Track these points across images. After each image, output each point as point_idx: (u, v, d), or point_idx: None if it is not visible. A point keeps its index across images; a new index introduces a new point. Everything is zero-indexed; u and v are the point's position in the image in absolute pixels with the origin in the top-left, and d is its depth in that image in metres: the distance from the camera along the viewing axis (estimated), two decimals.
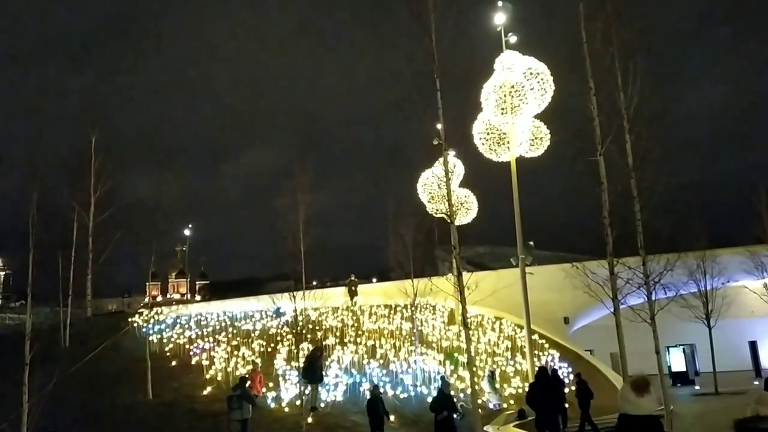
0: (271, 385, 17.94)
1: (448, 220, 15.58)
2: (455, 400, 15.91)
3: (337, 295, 29.60)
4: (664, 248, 16.10)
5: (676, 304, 19.48)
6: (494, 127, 22.15)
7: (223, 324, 24.92)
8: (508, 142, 21.85)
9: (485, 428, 15.21)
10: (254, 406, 15.14)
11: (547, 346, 26.85)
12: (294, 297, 16.32)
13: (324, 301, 22.13)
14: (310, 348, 18.33)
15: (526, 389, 21.23)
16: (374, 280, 49.57)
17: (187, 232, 71.74)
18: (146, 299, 66.36)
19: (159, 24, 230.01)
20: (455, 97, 16.21)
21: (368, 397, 15.51)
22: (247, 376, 16.97)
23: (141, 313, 27.14)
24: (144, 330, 23.97)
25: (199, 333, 23.37)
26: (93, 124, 29.85)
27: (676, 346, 34.47)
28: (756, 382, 30.76)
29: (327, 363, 18.98)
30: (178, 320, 25.90)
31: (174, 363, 20.46)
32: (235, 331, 23.57)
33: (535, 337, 25.17)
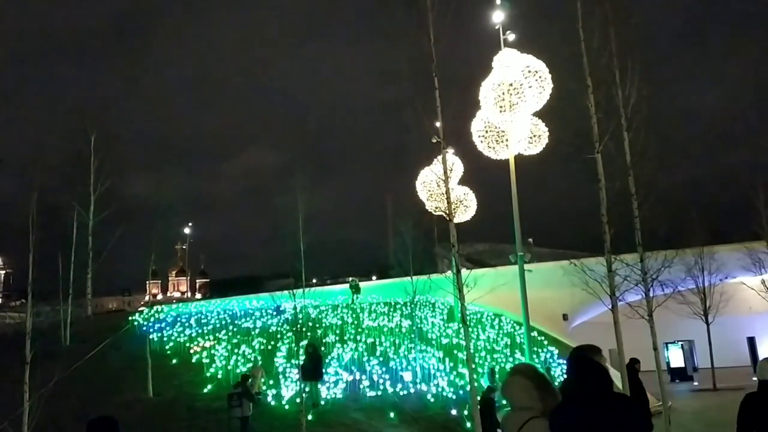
0: (271, 382, 18.02)
1: (447, 218, 15.61)
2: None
3: (337, 292, 29.79)
4: (662, 245, 16.14)
5: (675, 300, 19.54)
6: (493, 125, 22.16)
7: (224, 322, 25.02)
8: (507, 140, 21.87)
9: None
10: (255, 404, 15.21)
11: (546, 342, 26.95)
12: (294, 295, 16.37)
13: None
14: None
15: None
16: (374, 277, 49.72)
17: (187, 231, 71.86)
18: (147, 297, 66.54)
19: (160, 24, 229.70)
20: (454, 95, 16.23)
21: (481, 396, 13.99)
22: (249, 374, 17.04)
23: (141, 312, 27.22)
24: (144, 328, 24.06)
25: (200, 331, 23.45)
26: (92, 122, 29.96)
27: (674, 342, 34.59)
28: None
29: (327, 360, 19.05)
30: (179, 318, 25.99)
31: (174, 361, 20.54)
32: (235, 329, 23.65)
33: (534, 333, 25.25)
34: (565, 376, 3.50)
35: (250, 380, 15.91)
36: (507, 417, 3.57)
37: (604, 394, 3.32)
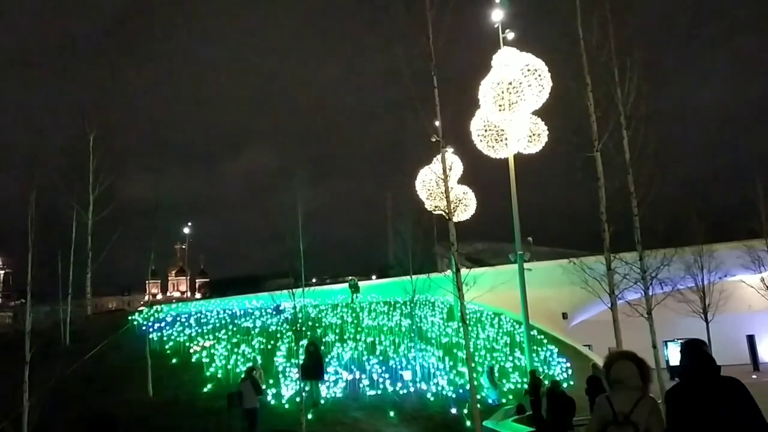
0: (271, 382, 18.01)
1: (447, 217, 15.61)
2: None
3: (337, 292, 29.82)
4: (661, 243, 16.15)
5: (674, 298, 19.56)
6: (492, 124, 22.17)
7: (223, 321, 25.01)
8: (506, 139, 21.87)
9: (484, 423, 15.28)
10: (261, 396, 15.15)
11: (545, 341, 26.97)
12: (294, 294, 16.36)
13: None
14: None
15: (525, 385, 21.38)
16: (374, 277, 49.80)
17: (186, 231, 71.90)
18: (146, 297, 66.58)
19: (160, 24, 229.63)
20: (453, 94, 16.24)
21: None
22: (253, 367, 16.96)
23: (141, 311, 27.20)
24: (144, 328, 24.04)
25: (200, 330, 23.44)
26: (91, 122, 29.99)
27: (673, 340, 34.59)
28: (754, 376, 30.93)
29: (327, 359, 19.04)
30: (178, 318, 25.98)
31: (174, 361, 20.52)
32: (235, 329, 23.64)
33: (534, 332, 25.27)
34: (680, 361, 4.16)
35: (254, 372, 15.80)
36: (618, 395, 4.09)
37: (716, 376, 3.97)
